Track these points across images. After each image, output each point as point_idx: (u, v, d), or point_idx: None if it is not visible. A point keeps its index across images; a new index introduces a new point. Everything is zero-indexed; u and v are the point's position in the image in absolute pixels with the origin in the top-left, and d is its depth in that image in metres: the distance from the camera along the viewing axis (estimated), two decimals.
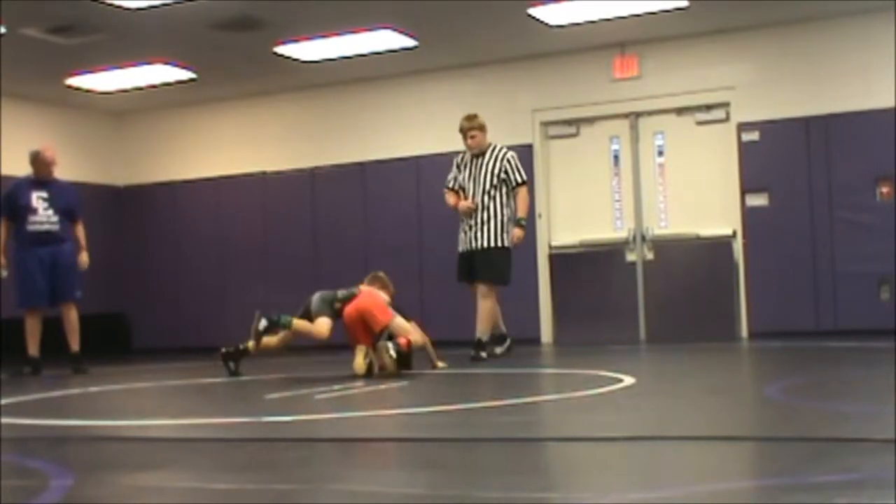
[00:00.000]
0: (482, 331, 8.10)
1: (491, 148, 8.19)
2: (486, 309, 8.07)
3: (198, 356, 10.56)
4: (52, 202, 8.73)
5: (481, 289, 8.11)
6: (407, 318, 7.41)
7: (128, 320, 12.72)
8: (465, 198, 8.13)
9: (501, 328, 8.42)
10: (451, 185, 8.29)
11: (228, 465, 3.52)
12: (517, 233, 8.10)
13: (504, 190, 8.09)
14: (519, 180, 8.11)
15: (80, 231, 8.95)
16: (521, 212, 8.10)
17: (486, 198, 8.06)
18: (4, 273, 8.75)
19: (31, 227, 8.66)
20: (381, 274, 7.66)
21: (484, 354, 8.04)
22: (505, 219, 8.08)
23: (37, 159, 8.82)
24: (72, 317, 8.84)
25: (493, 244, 8.04)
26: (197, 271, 12.35)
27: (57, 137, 12.22)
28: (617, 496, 2.74)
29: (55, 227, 8.74)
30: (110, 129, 12.89)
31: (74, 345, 8.84)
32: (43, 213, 8.70)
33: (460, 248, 8.24)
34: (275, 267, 11.93)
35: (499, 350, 8.35)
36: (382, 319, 7.15)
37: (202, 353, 10.95)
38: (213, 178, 12.33)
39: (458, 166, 8.29)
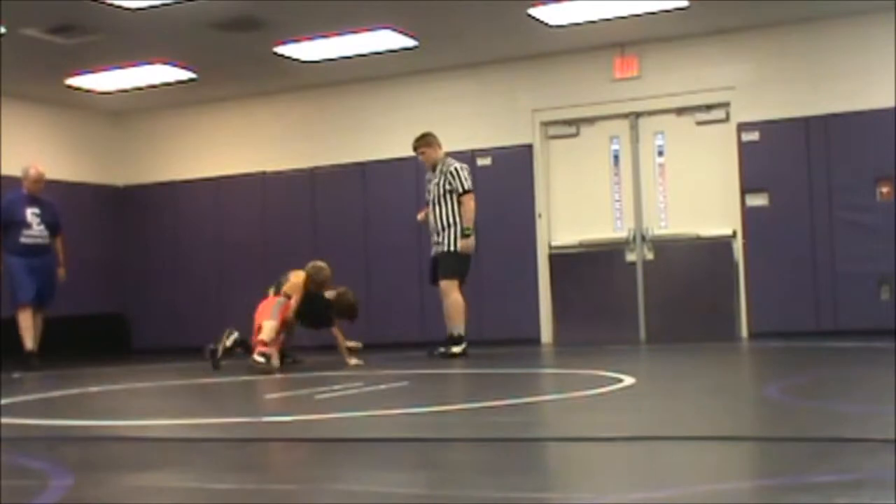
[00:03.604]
0: (452, 325, 8.65)
1: (442, 163, 8.82)
2: (448, 305, 8.65)
3: (197, 356, 10.56)
4: (42, 217, 9.58)
5: (441, 286, 8.70)
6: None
7: (127, 320, 12.71)
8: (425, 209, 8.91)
9: (461, 329, 8.68)
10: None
11: (228, 465, 3.52)
12: (462, 243, 8.65)
13: (453, 200, 8.68)
14: (461, 189, 8.69)
15: (60, 245, 9.78)
16: (465, 220, 8.67)
17: (437, 208, 8.72)
18: None
19: (25, 240, 9.50)
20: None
21: (456, 350, 8.51)
22: (451, 220, 8.68)
23: (27, 177, 9.65)
24: (38, 320, 9.59)
25: (447, 249, 8.67)
26: (197, 271, 12.34)
27: (57, 137, 12.25)
28: (617, 496, 2.74)
29: (46, 241, 9.60)
30: (110, 129, 12.88)
31: (33, 344, 9.51)
32: (36, 228, 9.55)
33: (431, 254, 8.94)
34: (275, 267, 11.88)
35: (456, 349, 8.56)
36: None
37: (202, 354, 10.95)
38: (213, 178, 12.32)
39: (427, 182, 8.99)
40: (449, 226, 8.64)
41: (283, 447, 3.87)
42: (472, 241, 8.67)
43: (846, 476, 2.77)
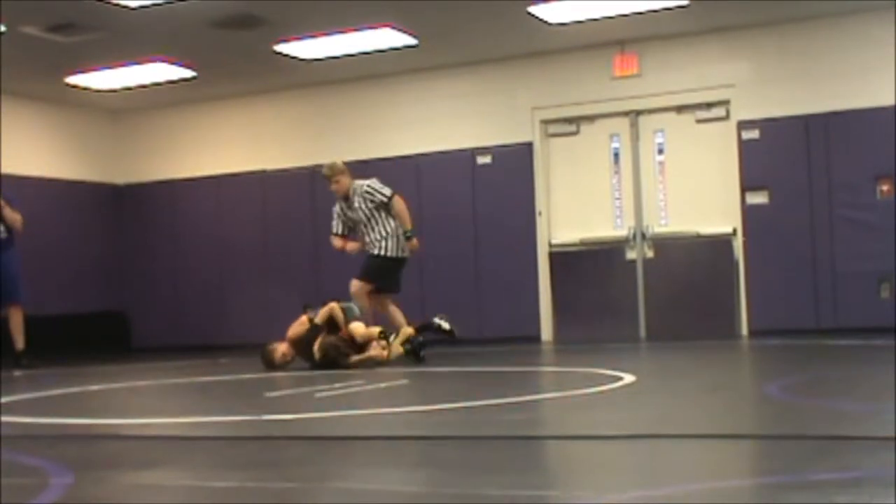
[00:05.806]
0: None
1: (352, 188, 8.55)
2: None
3: (197, 354, 10.57)
4: None
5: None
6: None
7: (127, 319, 12.71)
8: (355, 238, 8.62)
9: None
10: (337, 230, 8.71)
11: (229, 463, 3.52)
12: (412, 244, 8.49)
13: (383, 213, 8.47)
14: (386, 196, 8.48)
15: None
16: (406, 223, 8.48)
17: (367, 229, 8.51)
18: None
19: None
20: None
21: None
22: (384, 233, 8.46)
23: None
24: (16, 318, 9.43)
25: (378, 253, 8.49)
26: (197, 270, 12.34)
27: (57, 136, 12.25)
28: (617, 495, 2.74)
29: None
30: (110, 128, 12.88)
31: (19, 343, 9.42)
32: None
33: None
34: (275, 266, 11.93)
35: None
36: None
37: (202, 352, 10.96)
38: (213, 176, 12.32)
39: (338, 215, 8.68)
40: (373, 241, 8.47)
41: (284, 445, 3.87)
42: (416, 242, 8.52)
43: (846, 474, 2.78)
